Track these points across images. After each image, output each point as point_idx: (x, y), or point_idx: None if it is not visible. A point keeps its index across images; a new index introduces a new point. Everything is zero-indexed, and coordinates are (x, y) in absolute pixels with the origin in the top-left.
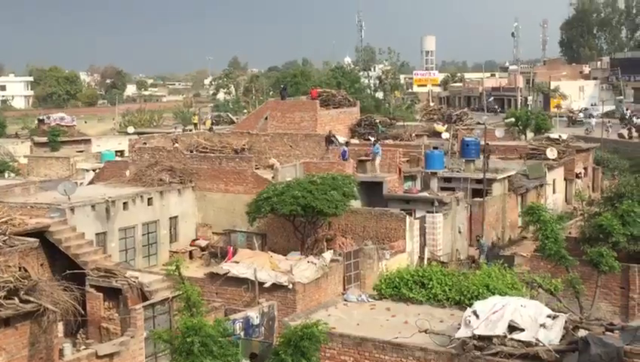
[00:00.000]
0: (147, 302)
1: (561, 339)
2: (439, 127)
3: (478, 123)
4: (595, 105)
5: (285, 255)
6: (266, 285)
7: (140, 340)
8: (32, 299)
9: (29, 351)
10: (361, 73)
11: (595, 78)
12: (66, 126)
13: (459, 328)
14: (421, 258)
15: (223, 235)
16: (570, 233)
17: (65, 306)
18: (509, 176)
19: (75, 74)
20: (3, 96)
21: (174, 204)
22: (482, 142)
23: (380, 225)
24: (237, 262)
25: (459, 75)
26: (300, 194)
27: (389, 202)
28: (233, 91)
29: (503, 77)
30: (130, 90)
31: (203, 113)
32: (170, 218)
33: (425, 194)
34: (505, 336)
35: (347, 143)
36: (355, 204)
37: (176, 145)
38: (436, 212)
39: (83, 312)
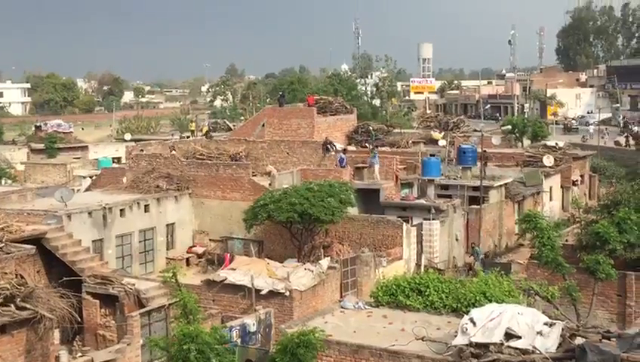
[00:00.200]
0: (144, 309)
1: (558, 347)
2: (436, 134)
3: (475, 130)
4: (591, 112)
5: (282, 262)
6: (263, 292)
7: (136, 347)
8: (28, 306)
9: (25, 359)
10: (358, 80)
11: (591, 86)
12: (63, 133)
13: (456, 335)
14: (418, 265)
15: (219, 242)
16: (566, 240)
17: (61, 313)
18: (505, 184)
19: (72, 81)
20: (0, 102)
21: (171, 211)
22: (479, 150)
23: (376, 233)
24: (234, 269)
25: (456, 82)
26: (297, 201)
27: (386, 209)
28: (230, 98)
29: (499, 84)
30: (128, 96)
31: (200, 120)
32: (167, 225)
33: (422, 201)
34: (502, 344)
35: (344, 150)
36: (352, 211)
37: (174, 152)
38: (433, 219)
39: (79, 319)
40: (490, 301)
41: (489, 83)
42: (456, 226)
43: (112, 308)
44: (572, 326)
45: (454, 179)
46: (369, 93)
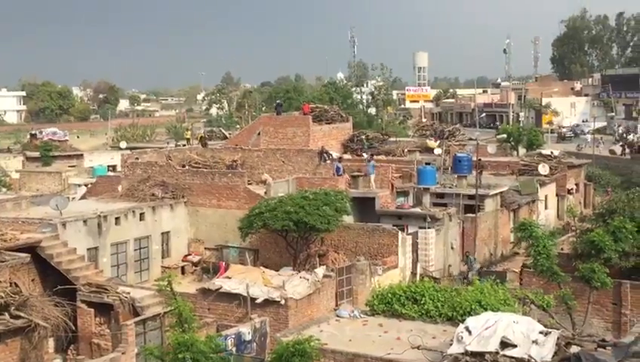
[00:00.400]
0: (139, 318)
1: (553, 356)
2: (431, 142)
3: (471, 139)
4: (586, 121)
5: (277, 270)
6: (258, 301)
7: (131, 356)
8: (22, 314)
9: None
10: (354, 89)
11: (586, 95)
12: (59, 141)
13: (451, 344)
14: (413, 274)
15: (215, 251)
16: (562, 249)
17: (56, 322)
18: (501, 192)
19: (68, 89)
20: None
21: (166, 219)
22: (474, 158)
23: (372, 241)
24: (229, 278)
25: (451, 90)
26: (293, 209)
27: (382, 218)
28: (226, 106)
29: (495, 93)
30: (123, 105)
31: (196, 128)
32: (163, 233)
33: (417, 209)
34: (497, 353)
35: (340, 159)
36: (348, 219)
37: (170, 161)
38: (428, 228)
39: (74, 328)
40: (486, 309)
41: (484, 91)
42: (451, 235)
43: (106, 316)
44: (567, 334)
45: (450, 187)
46: (365, 101)
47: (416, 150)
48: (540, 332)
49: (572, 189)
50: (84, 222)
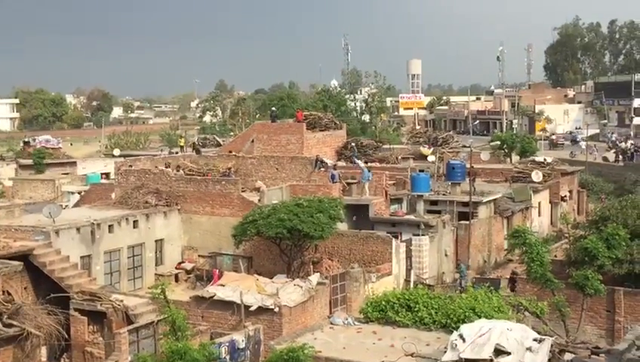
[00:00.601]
0: (132, 326)
1: None
2: (425, 150)
3: (464, 146)
4: (579, 128)
5: (271, 278)
6: (252, 308)
7: None
8: (15, 322)
9: None
10: (348, 96)
11: (579, 102)
12: (52, 148)
13: (445, 351)
14: (407, 281)
15: (208, 258)
16: (555, 256)
17: (48, 330)
18: (494, 199)
19: (61, 96)
20: None
21: (160, 227)
22: (468, 165)
23: (366, 248)
24: (223, 285)
25: (445, 98)
26: (286, 217)
27: (376, 225)
28: (220, 114)
29: (488, 100)
30: (117, 112)
31: (190, 136)
32: (156, 241)
33: (411, 217)
34: (491, 360)
35: (335, 166)
36: (342, 226)
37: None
38: (422, 235)
39: (67, 336)
40: (480, 317)
41: (478, 99)
42: (445, 242)
43: (100, 324)
44: (561, 341)
45: (443, 194)
46: (358, 108)
47: (410, 157)
48: (534, 340)
49: (565, 196)
50: (78, 229)
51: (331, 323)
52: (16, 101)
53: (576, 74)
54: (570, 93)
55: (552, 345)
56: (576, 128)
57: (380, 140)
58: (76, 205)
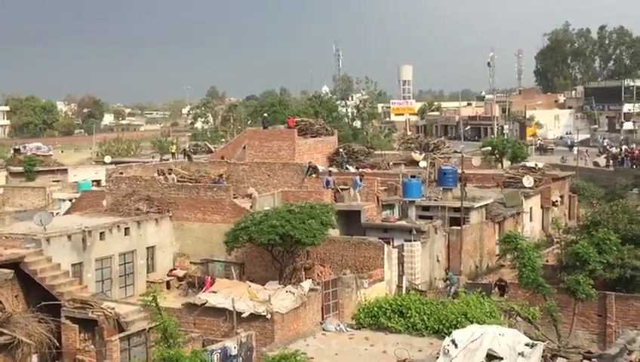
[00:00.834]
0: (123, 334)
1: None
2: (417, 155)
3: (455, 151)
4: (570, 133)
5: (263, 284)
6: (244, 315)
7: None
8: (5, 331)
9: None
10: (339, 102)
11: (569, 107)
12: (43, 155)
13: (437, 357)
14: (399, 287)
15: (200, 265)
16: (547, 261)
17: (39, 338)
18: (486, 205)
19: (52, 103)
20: None
21: (152, 234)
22: (459, 171)
23: (358, 254)
24: (215, 292)
25: (436, 103)
26: (278, 223)
27: (367, 231)
28: (211, 120)
29: (479, 106)
30: (108, 119)
31: (181, 142)
32: (148, 248)
33: (403, 222)
34: None
35: (330, 172)
36: (334, 232)
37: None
38: (414, 240)
39: (58, 344)
40: (472, 322)
41: (469, 104)
42: (437, 247)
43: (91, 332)
44: (553, 346)
45: (435, 200)
46: (350, 114)
47: (402, 163)
48: (526, 345)
49: (557, 201)
50: (69, 237)
51: (323, 330)
52: (7, 108)
53: (566, 79)
54: (561, 98)
55: (544, 350)
56: (566, 133)
57: (371, 146)
58: (67, 212)
